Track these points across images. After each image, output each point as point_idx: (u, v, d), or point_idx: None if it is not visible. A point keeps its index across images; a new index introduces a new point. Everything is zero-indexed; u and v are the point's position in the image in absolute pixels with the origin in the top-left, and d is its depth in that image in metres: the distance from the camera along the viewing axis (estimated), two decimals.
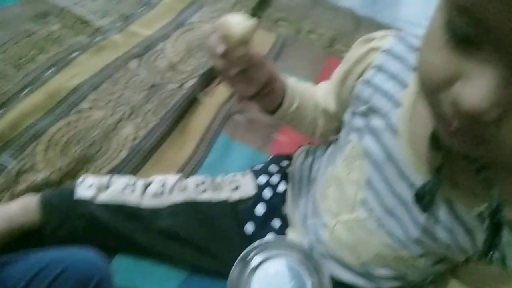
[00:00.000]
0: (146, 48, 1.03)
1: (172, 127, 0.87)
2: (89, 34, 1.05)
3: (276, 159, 0.73)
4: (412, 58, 0.43)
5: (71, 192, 0.63)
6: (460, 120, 0.26)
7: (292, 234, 0.62)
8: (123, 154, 0.80)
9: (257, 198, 0.64)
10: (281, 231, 0.63)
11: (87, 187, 0.64)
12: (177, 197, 0.64)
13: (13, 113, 0.81)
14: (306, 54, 1.12)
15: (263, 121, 0.91)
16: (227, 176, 0.70)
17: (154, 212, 0.63)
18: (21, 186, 0.71)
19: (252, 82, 0.49)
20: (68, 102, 0.87)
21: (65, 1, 1.10)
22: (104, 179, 0.66)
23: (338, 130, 0.57)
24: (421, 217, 0.41)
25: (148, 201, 0.63)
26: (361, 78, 0.47)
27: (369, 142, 0.45)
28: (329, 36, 1.19)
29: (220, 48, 0.43)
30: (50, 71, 0.93)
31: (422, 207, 0.37)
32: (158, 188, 0.65)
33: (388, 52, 0.45)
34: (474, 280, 0.45)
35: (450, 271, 0.48)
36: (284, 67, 1.07)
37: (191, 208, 0.63)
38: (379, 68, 0.45)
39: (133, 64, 0.99)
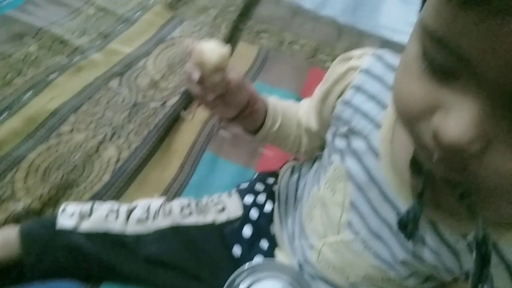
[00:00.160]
0: (127, 66, 1.02)
1: (156, 147, 0.85)
2: (67, 54, 1.02)
3: (262, 177, 0.72)
4: (391, 78, 0.42)
5: (52, 222, 0.61)
6: (442, 152, 0.26)
7: (280, 255, 0.61)
8: (106, 178, 0.78)
9: (244, 219, 0.63)
10: (270, 252, 0.62)
11: (68, 216, 0.62)
12: (162, 222, 0.62)
13: None
14: (289, 66, 1.11)
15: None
16: (213, 197, 0.68)
17: (139, 239, 0.61)
18: (0, 216, 0.68)
19: (231, 106, 0.49)
20: (47, 126, 0.85)
21: (42, 21, 1.08)
22: (86, 206, 0.64)
23: (322, 147, 0.56)
24: (410, 242, 0.40)
25: (132, 228, 0.62)
26: (340, 98, 0.47)
27: (351, 164, 0.45)
28: (312, 46, 1.19)
29: (196, 75, 0.43)
30: (28, 94, 0.91)
31: (407, 235, 0.37)
32: (142, 213, 0.63)
33: (367, 72, 0.44)
34: None
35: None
36: (268, 79, 1.06)
37: (177, 233, 0.62)
38: (358, 89, 0.44)
39: (113, 83, 0.98)
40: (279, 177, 0.68)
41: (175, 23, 1.18)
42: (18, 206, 0.70)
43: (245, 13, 1.25)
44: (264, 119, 0.55)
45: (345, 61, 0.48)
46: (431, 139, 0.26)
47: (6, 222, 0.67)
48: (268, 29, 1.23)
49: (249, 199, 0.66)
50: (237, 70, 0.46)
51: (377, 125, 0.42)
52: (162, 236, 0.62)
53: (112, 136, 0.86)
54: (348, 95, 0.45)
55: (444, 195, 0.36)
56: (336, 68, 0.48)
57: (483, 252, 0.31)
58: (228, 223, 0.64)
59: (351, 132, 0.45)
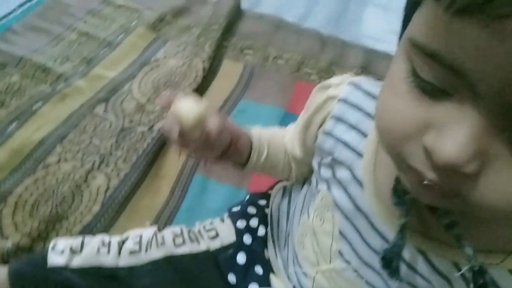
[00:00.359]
0: (112, 91, 1.01)
1: (145, 173, 0.84)
2: (51, 82, 1.02)
3: (254, 199, 0.71)
4: (370, 106, 0.43)
5: (43, 259, 0.60)
6: (436, 173, 0.24)
7: (276, 281, 0.60)
8: (96, 208, 0.77)
9: (237, 245, 0.63)
10: (265, 277, 0.61)
11: (59, 252, 0.61)
12: (155, 254, 0.61)
13: None
14: (275, 81, 1.12)
15: None
16: (205, 223, 0.68)
17: (133, 271, 0.60)
18: None
19: (213, 149, 0.48)
20: (33, 158, 0.84)
21: (23, 49, 1.07)
22: (77, 241, 0.63)
23: (312, 171, 0.56)
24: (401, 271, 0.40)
25: (125, 261, 0.61)
26: (321, 129, 0.47)
27: (337, 193, 0.44)
28: (296, 60, 1.19)
29: (175, 133, 0.43)
30: (12, 126, 0.90)
31: (391, 273, 0.36)
32: (135, 245, 0.62)
33: (345, 101, 0.44)
34: None
35: None
36: (254, 97, 1.07)
37: (171, 263, 0.61)
38: (338, 119, 0.44)
39: (99, 109, 0.97)
40: (271, 198, 0.68)
41: (158, 44, 1.18)
42: (7, 244, 0.69)
43: (228, 30, 1.25)
44: (250, 152, 0.54)
45: (323, 90, 0.48)
46: (422, 161, 0.25)
47: None
48: (252, 45, 1.23)
49: (241, 223, 0.65)
50: (215, 117, 0.45)
51: (359, 155, 0.42)
52: (155, 267, 0.61)
53: (100, 164, 0.85)
54: (328, 125, 0.45)
55: (430, 225, 0.36)
56: (315, 97, 0.49)
57: (480, 284, 0.31)
58: (222, 249, 0.63)
59: (335, 162, 0.45)
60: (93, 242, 0.62)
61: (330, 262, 0.47)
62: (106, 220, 0.76)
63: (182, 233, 0.65)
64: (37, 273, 0.59)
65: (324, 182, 0.47)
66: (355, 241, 0.43)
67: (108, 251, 0.61)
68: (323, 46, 1.27)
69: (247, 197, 0.74)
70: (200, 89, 1.05)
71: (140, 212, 0.79)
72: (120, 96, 1.01)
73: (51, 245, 0.62)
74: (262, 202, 0.70)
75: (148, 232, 0.64)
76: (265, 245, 0.64)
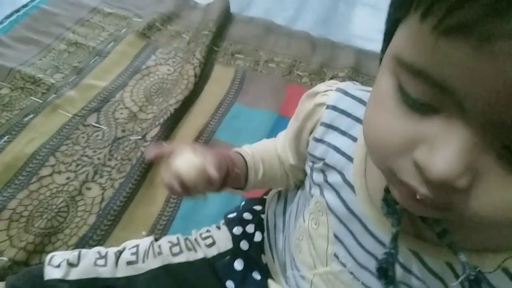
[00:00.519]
0: (104, 101, 1.01)
1: (139, 182, 0.84)
2: (41, 94, 1.01)
3: (249, 204, 0.72)
4: (359, 110, 0.43)
5: (40, 273, 0.60)
6: (428, 188, 0.25)
7: (274, 286, 0.61)
8: (91, 220, 0.77)
9: (234, 252, 0.63)
10: (263, 282, 0.61)
11: (56, 266, 0.60)
12: (153, 263, 0.61)
13: None
14: (267, 85, 1.12)
15: None
16: (201, 231, 0.68)
17: (131, 282, 0.60)
18: None
19: (212, 185, 0.48)
20: (26, 171, 0.84)
21: (11, 62, 1.06)
22: (73, 254, 0.62)
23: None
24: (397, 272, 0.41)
25: (123, 272, 0.61)
26: (312, 135, 0.47)
27: (330, 197, 0.45)
28: (287, 63, 1.20)
29: (177, 188, 0.44)
30: (3, 140, 0.89)
31: (386, 283, 0.36)
32: (132, 255, 0.62)
33: (334, 108, 0.45)
34: None
35: None
36: (246, 101, 1.07)
37: (168, 272, 0.61)
38: (328, 125, 0.45)
39: (91, 119, 0.97)
40: (266, 204, 0.68)
41: (149, 52, 1.18)
42: (2, 259, 0.68)
43: (218, 35, 1.25)
44: (247, 173, 0.56)
45: (311, 98, 0.48)
46: (414, 176, 0.25)
47: None
48: (242, 49, 1.23)
49: (238, 230, 0.65)
50: (211, 160, 0.46)
51: (350, 159, 0.42)
52: (153, 277, 0.61)
53: (94, 175, 0.85)
54: (318, 132, 0.46)
55: (423, 226, 0.37)
56: (303, 105, 0.49)
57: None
58: (219, 256, 0.63)
59: (327, 167, 0.45)
60: (90, 254, 0.62)
61: (326, 265, 0.48)
62: (102, 231, 0.75)
63: (178, 241, 0.65)
64: (35, 287, 0.59)
65: (317, 187, 0.47)
66: (350, 244, 0.44)
67: (105, 262, 0.61)
68: (313, 48, 1.28)
69: (243, 203, 0.74)
70: (192, 95, 1.05)
71: (136, 222, 0.79)
72: (112, 106, 1.00)
73: (47, 259, 0.62)
74: (258, 207, 0.70)
75: (144, 242, 0.64)
76: (262, 250, 0.64)
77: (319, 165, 0.46)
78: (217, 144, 0.95)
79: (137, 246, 0.64)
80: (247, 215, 0.69)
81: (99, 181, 0.84)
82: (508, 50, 0.18)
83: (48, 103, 0.98)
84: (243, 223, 0.67)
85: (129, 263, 0.61)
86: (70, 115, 0.96)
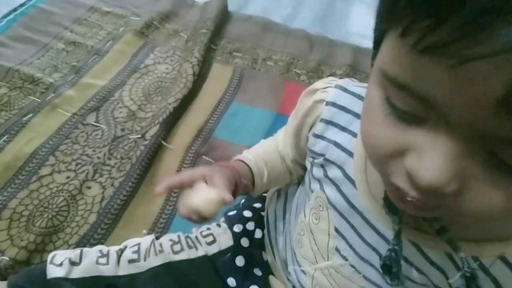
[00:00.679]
0: (103, 100, 1.01)
1: (139, 181, 0.84)
2: (40, 93, 1.01)
3: (249, 202, 0.72)
4: (358, 107, 0.44)
5: (42, 272, 0.60)
6: (418, 193, 0.26)
7: (275, 282, 0.61)
8: (92, 219, 0.77)
9: (235, 249, 0.63)
10: (264, 279, 0.62)
11: (58, 265, 0.61)
12: (154, 261, 0.62)
13: None
14: (265, 83, 1.12)
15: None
16: (202, 229, 0.68)
17: (133, 280, 0.61)
18: None
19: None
20: (26, 171, 0.84)
21: (10, 61, 1.06)
22: (75, 253, 0.63)
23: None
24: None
25: (125, 270, 0.61)
26: (312, 131, 0.48)
27: (330, 192, 0.46)
28: (285, 61, 1.20)
29: (196, 220, 0.46)
30: (2, 139, 0.89)
31: (391, 279, 0.37)
32: (133, 253, 0.63)
33: (333, 104, 0.45)
34: None
35: None
36: (245, 100, 1.07)
37: (170, 270, 0.62)
38: (328, 122, 0.46)
39: (91, 118, 0.97)
40: (266, 201, 0.69)
41: (147, 50, 1.18)
42: (4, 259, 0.69)
43: (216, 33, 1.26)
44: (253, 180, 0.57)
45: (310, 94, 0.49)
46: (405, 180, 0.26)
47: None
48: (240, 47, 1.23)
49: (238, 228, 0.66)
50: (223, 185, 0.48)
51: (351, 154, 0.43)
52: (155, 274, 0.61)
53: (94, 174, 0.85)
54: (318, 128, 0.47)
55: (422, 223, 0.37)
56: (303, 102, 0.50)
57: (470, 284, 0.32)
58: (220, 254, 0.64)
59: (327, 162, 0.46)
60: (92, 253, 0.63)
61: (328, 259, 0.48)
62: (103, 230, 0.76)
63: (179, 239, 0.65)
64: (38, 286, 0.59)
65: (317, 182, 0.48)
66: (351, 238, 0.44)
67: (107, 261, 0.61)
68: (311, 46, 1.28)
69: (243, 201, 0.75)
70: (191, 94, 1.05)
71: (136, 220, 0.79)
72: (111, 104, 1.01)
73: (49, 258, 0.62)
74: (258, 205, 0.71)
75: (146, 240, 0.65)
76: (262, 247, 0.65)
77: (319, 160, 0.47)
78: (217, 142, 0.95)
79: (138, 244, 0.64)
80: (247, 213, 0.69)
81: (99, 180, 0.84)
82: (481, 70, 0.19)
83: (47, 103, 0.98)
84: (243, 220, 0.68)
85: (131, 261, 0.62)
86: (69, 114, 0.96)
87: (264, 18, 1.37)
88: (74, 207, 0.79)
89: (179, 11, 1.34)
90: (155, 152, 0.90)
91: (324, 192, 0.47)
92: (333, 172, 0.45)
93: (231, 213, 0.71)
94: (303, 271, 0.53)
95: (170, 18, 1.31)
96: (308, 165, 0.52)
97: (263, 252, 0.65)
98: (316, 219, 0.49)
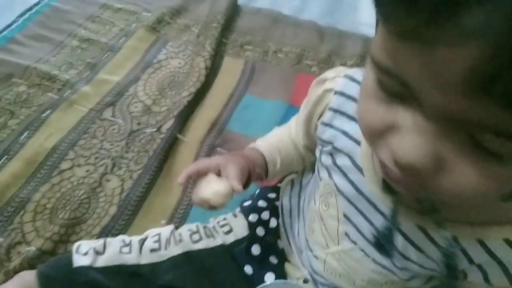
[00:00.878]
0: (118, 95, 1.03)
1: (157, 173, 0.87)
2: (57, 90, 1.04)
3: (264, 192, 0.74)
4: None
5: (68, 261, 0.63)
6: (400, 171, 0.28)
7: (290, 269, 0.63)
8: (113, 210, 0.80)
9: (251, 238, 0.66)
10: (280, 266, 0.64)
11: (83, 254, 0.64)
12: (175, 250, 0.64)
13: None
14: (276, 75, 1.14)
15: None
16: (219, 219, 0.70)
17: (155, 268, 0.63)
18: (14, 262, 0.70)
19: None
20: (47, 165, 0.87)
21: (27, 59, 1.09)
22: (99, 243, 0.65)
23: None
24: (401, 247, 0.42)
25: (147, 258, 0.64)
26: (320, 120, 0.50)
27: (338, 179, 0.47)
28: (296, 53, 1.21)
29: (207, 208, 0.50)
30: (24, 135, 0.92)
31: (385, 253, 0.39)
32: (154, 243, 0.65)
33: (342, 93, 0.47)
34: None
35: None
36: (257, 92, 1.09)
37: (190, 259, 0.64)
38: (336, 111, 0.47)
39: (107, 113, 0.99)
40: (281, 191, 0.70)
41: (159, 46, 1.20)
42: (30, 249, 0.72)
43: (227, 27, 1.27)
44: (266, 167, 0.60)
45: (320, 84, 0.51)
46: (388, 157, 0.28)
47: (20, 267, 0.69)
48: (251, 40, 1.25)
49: (253, 217, 0.68)
50: (235, 175, 0.52)
51: (358, 142, 0.45)
52: (176, 263, 0.64)
53: (113, 168, 0.87)
54: (327, 117, 0.48)
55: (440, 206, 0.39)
56: (313, 91, 0.51)
57: (451, 264, 0.34)
58: (237, 243, 0.66)
59: (335, 150, 0.47)
60: (115, 242, 0.65)
61: (338, 244, 0.50)
62: (123, 221, 0.78)
63: (198, 229, 0.68)
64: (65, 274, 0.62)
65: (325, 170, 0.50)
66: (359, 223, 0.46)
67: (130, 250, 0.64)
68: (321, 38, 1.29)
69: (257, 191, 0.76)
70: (204, 87, 1.07)
71: (155, 211, 0.82)
72: (127, 99, 1.03)
73: (74, 247, 0.65)
74: (272, 195, 0.73)
75: (166, 230, 0.67)
76: (277, 236, 0.67)
77: (328, 148, 0.48)
78: (231, 135, 0.97)
79: (159, 234, 0.67)
80: (261, 203, 0.71)
81: (117, 173, 0.87)
82: (447, 55, 0.21)
83: (64, 99, 1.01)
84: (258, 210, 0.70)
85: (153, 250, 0.64)
86: (86, 110, 0.99)
87: (273, 11, 1.37)
88: (95, 199, 0.82)
89: (190, 6, 1.36)
90: (171, 145, 0.92)
91: (333, 180, 0.48)
92: (341, 160, 0.47)
93: (246, 203, 0.73)
94: (315, 256, 0.55)
95: (181, 13, 1.32)
96: (317, 153, 0.53)
97: (278, 241, 0.67)
98: (326, 206, 0.51)
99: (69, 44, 1.17)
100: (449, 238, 0.34)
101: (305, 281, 0.61)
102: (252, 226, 0.67)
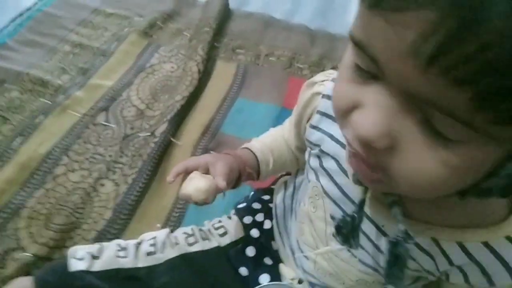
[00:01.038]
0: (111, 100, 1.04)
1: (151, 177, 0.87)
2: (50, 95, 1.04)
3: (258, 194, 0.75)
4: None
5: (65, 266, 0.63)
6: (359, 145, 0.29)
7: (285, 269, 0.64)
8: (108, 215, 0.80)
9: (246, 240, 0.66)
10: (274, 267, 0.65)
11: (79, 259, 0.64)
12: (171, 253, 0.65)
13: None
14: (269, 78, 1.15)
15: None
16: (213, 221, 0.71)
17: (151, 271, 0.64)
18: (10, 269, 0.70)
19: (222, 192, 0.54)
20: (41, 171, 0.87)
21: (19, 65, 1.09)
22: (95, 247, 0.66)
23: None
24: (385, 248, 0.44)
25: (143, 262, 0.64)
26: (309, 122, 0.51)
27: (325, 182, 0.48)
28: (287, 56, 1.23)
29: (190, 202, 0.51)
30: (17, 141, 0.92)
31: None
32: (150, 246, 0.66)
33: (329, 97, 0.48)
34: None
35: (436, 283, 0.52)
36: (250, 95, 1.10)
37: (186, 261, 0.65)
38: (323, 114, 0.48)
39: (100, 118, 1.00)
40: (274, 193, 0.71)
41: (152, 50, 1.20)
42: (26, 256, 0.72)
43: (218, 31, 1.28)
44: (259, 167, 0.61)
45: (310, 87, 0.52)
46: (351, 133, 0.29)
47: (16, 273, 0.69)
48: (243, 44, 1.26)
49: (248, 219, 0.69)
50: (221, 171, 0.53)
51: (343, 145, 0.45)
52: (172, 265, 0.64)
53: (107, 172, 0.88)
54: (315, 119, 0.49)
55: (408, 205, 0.40)
56: (303, 94, 0.53)
57: (395, 253, 0.35)
58: (232, 244, 0.67)
59: (322, 153, 0.48)
60: (111, 246, 0.66)
61: (327, 244, 0.51)
62: (119, 225, 0.79)
63: (193, 232, 0.68)
64: (62, 279, 0.62)
65: (313, 172, 0.51)
66: None
67: (126, 254, 0.64)
68: (312, 41, 1.30)
69: (252, 193, 0.77)
70: (197, 91, 1.08)
71: (150, 215, 0.82)
72: (120, 104, 1.03)
73: (70, 252, 0.65)
74: (266, 197, 0.74)
75: (161, 234, 0.68)
76: (271, 237, 0.68)
77: (316, 151, 0.49)
78: (224, 138, 0.98)
79: (154, 237, 0.67)
80: (256, 205, 0.72)
81: (112, 177, 0.87)
82: (403, 22, 0.22)
83: (58, 104, 1.01)
84: (253, 212, 0.71)
85: (149, 253, 0.65)
86: (80, 115, 0.99)
87: (265, 15, 1.39)
88: (90, 204, 0.82)
89: (181, 10, 1.37)
90: (165, 149, 0.93)
91: (320, 182, 0.49)
92: (328, 163, 0.48)
93: (241, 205, 0.74)
94: (306, 257, 0.57)
95: (172, 17, 1.33)
96: (306, 156, 0.54)
97: (272, 242, 0.68)
98: (314, 208, 0.52)
99: (62, 49, 1.17)
100: (403, 231, 0.35)
101: (300, 281, 0.62)
102: (246, 228, 0.68)
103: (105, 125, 0.98)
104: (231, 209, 0.74)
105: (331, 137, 0.47)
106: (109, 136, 0.95)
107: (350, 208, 0.45)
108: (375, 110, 0.26)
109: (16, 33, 1.18)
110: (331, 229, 0.50)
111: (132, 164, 0.90)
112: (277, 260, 0.66)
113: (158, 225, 0.80)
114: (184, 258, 0.65)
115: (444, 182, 0.27)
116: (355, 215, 0.40)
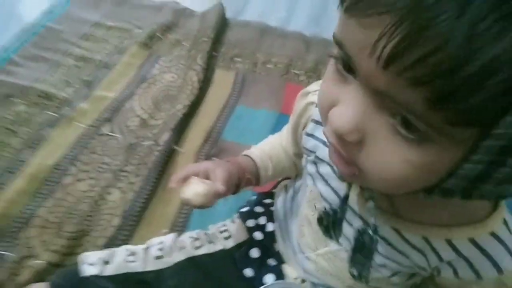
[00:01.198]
0: (115, 111, 1.07)
1: (156, 184, 0.91)
2: (56, 108, 1.07)
3: (260, 198, 0.78)
4: None
5: (77, 271, 0.66)
6: (334, 138, 0.32)
7: (288, 270, 0.67)
8: (116, 222, 0.83)
9: (250, 242, 0.69)
10: (278, 268, 0.68)
11: (91, 264, 0.67)
12: (178, 257, 0.68)
13: None
14: (266, 85, 1.19)
15: None
16: (218, 225, 0.74)
17: (160, 274, 0.66)
18: (24, 276, 0.73)
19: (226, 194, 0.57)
20: (50, 181, 0.90)
21: (25, 79, 1.13)
22: (105, 253, 0.69)
23: None
24: (380, 247, 0.46)
25: (152, 266, 0.67)
26: (304, 130, 0.54)
27: (321, 186, 0.51)
28: (284, 63, 1.27)
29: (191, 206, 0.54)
30: (25, 153, 0.95)
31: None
32: (158, 251, 0.69)
33: None
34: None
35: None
36: (248, 102, 1.13)
37: (193, 264, 0.68)
38: (317, 122, 0.51)
39: (105, 129, 1.03)
40: (275, 197, 0.75)
41: (152, 61, 1.24)
42: (39, 263, 0.75)
43: (216, 41, 1.32)
44: (258, 173, 0.63)
45: (304, 96, 0.55)
46: (329, 128, 0.32)
47: (30, 280, 0.72)
48: (240, 53, 1.30)
49: (251, 222, 0.72)
50: (220, 176, 0.56)
51: None
52: (180, 268, 0.67)
53: (113, 181, 0.91)
54: (309, 127, 0.52)
55: (400, 206, 0.43)
56: (298, 103, 0.56)
57: (361, 241, 0.38)
58: (236, 247, 0.70)
59: (318, 159, 0.51)
60: (120, 252, 0.69)
61: (326, 246, 0.54)
62: (127, 231, 0.82)
63: (199, 236, 0.71)
64: (75, 284, 0.65)
65: (310, 177, 0.54)
66: (343, 227, 0.50)
67: (135, 258, 0.68)
68: (308, 47, 1.34)
69: (254, 197, 0.81)
70: (197, 100, 1.11)
71: (157, 221, 0.85)
72: (123, 115, 1.07)
73: (82, 258, 0.68)
74: (268, 201, 0.77)
75: (168, 238, 0.71)
76: (274, 239, 0.71)
77: (312, 157, 0.52)
78: (225, 144, 1.02)
79: (162, 242, 0.70)
80: (258, 208, 0.75)
81: (118, 185, 0.90)
82: (377, 24, 0.24)
83: (63, 116, 1.05)
84: (255, 216, 0.74)
85: (157, 257, 0.68)
86: (85, 126, 1.03)
87: (261, 23, 1.43)
88: (98, 211, 0.85)
89: (180, 21, 1.40)
90: (168, 157, 0.96)
91: (317, 186, 0.52)
92: (323, 168, 0.50)
93: (244, 209, 0.77)
94: (306, 257, 0.59)
95: (171, 28, 1.37)
96: (303, 162, 0.57)
97: (275, 244, 0.70)
98: (312, 211, 0.55)
99: (65, 63, 1.21)
100: (372, 224, 0.39)
101: (303, 281, 0.65)
102: (250, 231, 0.71)
103: (110, 135, 1.01)
104: (235, 213, 0.77)
105: (325, 144, 0.50)
106: (114, 146, 0.99)
107: (347, 212, 0.48)
108: (348, 106, 0.29)
109: (20, 49, 1.22)
110: None
111: (137, 172, 0.93)
112: (280, 261, 0.69)
113: (165, 230, 0.83)
114: (191, 261, 0.68)
115: (407, 178, 0.29)
116: (338, 209, 0.42)
